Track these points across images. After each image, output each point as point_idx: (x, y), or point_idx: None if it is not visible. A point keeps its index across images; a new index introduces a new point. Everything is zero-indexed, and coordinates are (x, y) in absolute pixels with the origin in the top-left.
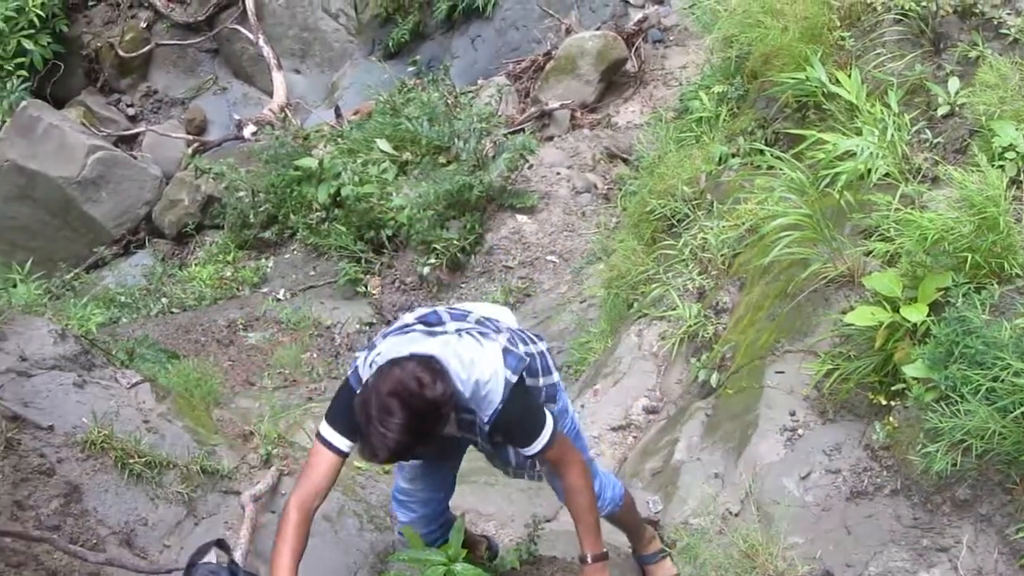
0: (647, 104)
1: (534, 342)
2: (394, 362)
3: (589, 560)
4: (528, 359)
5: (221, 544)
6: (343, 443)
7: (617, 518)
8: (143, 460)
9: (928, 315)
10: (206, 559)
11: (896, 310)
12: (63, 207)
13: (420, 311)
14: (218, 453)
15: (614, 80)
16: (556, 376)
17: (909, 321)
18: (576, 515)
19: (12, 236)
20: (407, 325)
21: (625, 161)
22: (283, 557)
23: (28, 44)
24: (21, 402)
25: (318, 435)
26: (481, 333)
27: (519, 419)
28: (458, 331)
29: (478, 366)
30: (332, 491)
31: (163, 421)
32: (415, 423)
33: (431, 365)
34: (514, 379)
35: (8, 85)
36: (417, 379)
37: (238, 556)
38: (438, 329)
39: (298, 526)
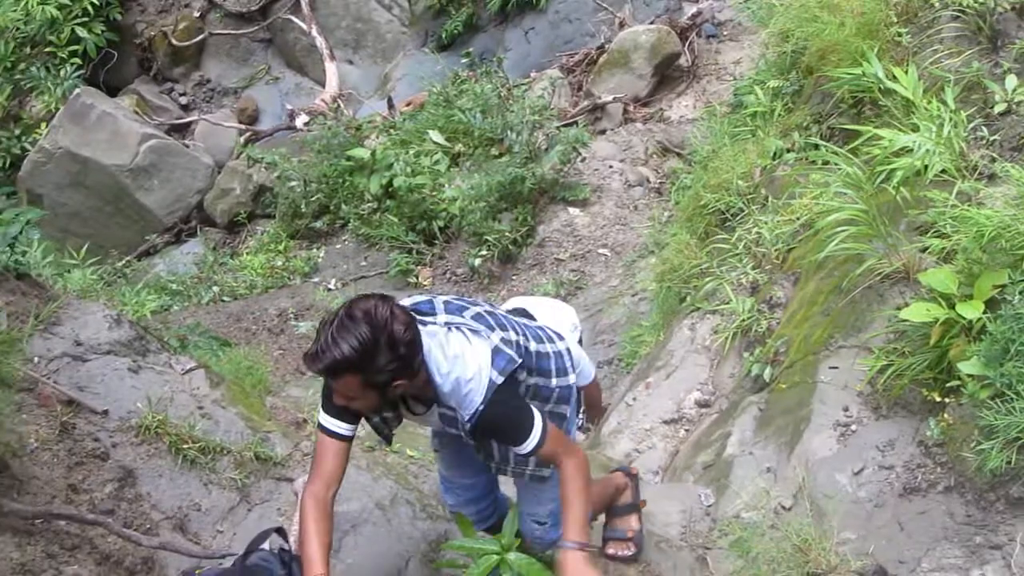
0: (700, 99)
1: (552, 340)
2: (384, 297)
3: (568, 545)
4: (522, 358)
5: (280, 532)
6: (341, 427)
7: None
8: (197, 446)
9: (984, 312)
10: (264, 545)
11: (952, 307)
12: (115, 194)
13: (416, 298)
14: (271, 440)
15: (667, 74)
16: (572, 378)
17: (965, 318)
18: (565, 501)
19: (64, 223)
20: None
21: (678, 155)
22: (312, 550)
23: (82, 32)
24: (76, 386)
25: (318, 425)
26: (472, 330)
27: (504, 420)
28: (447, 324)
29: (460, 363)
30: (384, 479)
31: (217, 407)
32: (369, 343)
33: (408, 310)
34: (499, 380)
35: (62, 72)
36: (391, 309)
37: (291, 543)
38: (428, 319)
39: (318, 520)
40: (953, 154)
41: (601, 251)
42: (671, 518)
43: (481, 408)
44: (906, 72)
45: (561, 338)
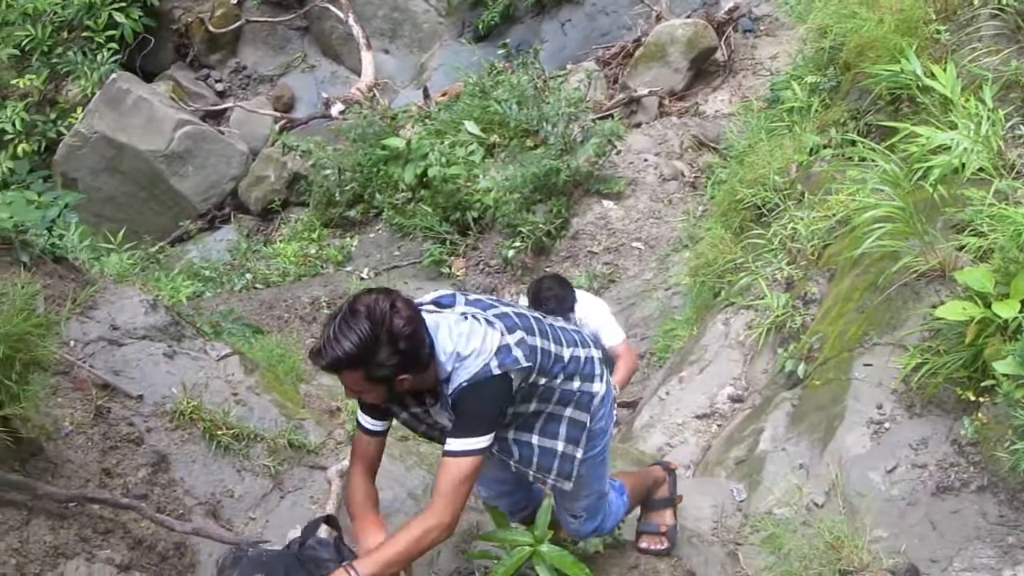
0: (736, 93)
1: (585, 346)
2: (383, 289)
3: (351, 571)
4: (540, 363)
5: (330, 521)
6: (369, 421)
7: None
8: (231, 432)
9: (1020, 311)
10: (317, 534)
11: (987, 306)
12: (150, 180)
13: (443, 291)
14: (305, 428)
15: (703, 68)
16: (598, 387)
17: (1000, 317)
18: (393, 536)
19: (99, 208)
20: (421, 303)
21: (713, 150)
22: (363, 512)
23: (119, 17)
24: (111, 371)
25: (355, 421)
26: (488, 321)
27: (471, 406)
28: (463, 314)
29: (463, 341)
30: (417, 469)
31: (251, 394)
32: (367, 340)
33: (413, 305)
34: (496, 371)
35: (99, 57)
36: (392, 304)
37: (322, 532)
38: (446, 310)
39: (363, 476)
40: (991, 152)
41: (635, 244)
42: (703, 513)
43: (464, 383)
44: (944, 70)
45: (592, 346)
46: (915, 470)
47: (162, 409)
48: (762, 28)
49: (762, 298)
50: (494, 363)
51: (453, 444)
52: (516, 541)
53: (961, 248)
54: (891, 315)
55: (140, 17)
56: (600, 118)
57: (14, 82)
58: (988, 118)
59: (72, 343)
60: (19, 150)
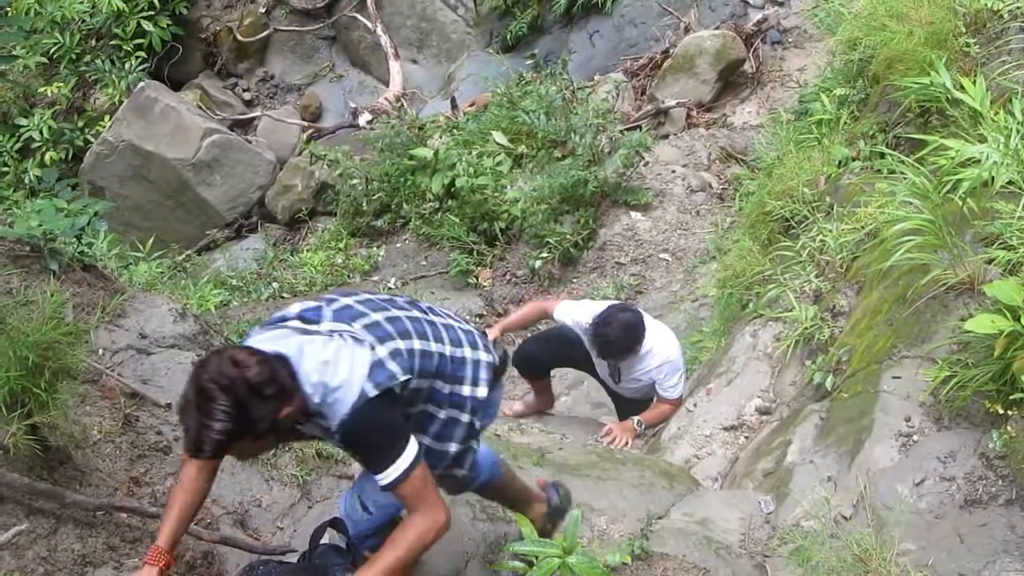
0: (764, 105)
1: (476, 347)
2: (214, 351)
3: None
4: (414, 371)
5: (336, 523)
6: None
7: (494, 491)
8: None
9: None
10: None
11: (1017, 319)
12: (177, 188)
13: (307, 304)
14: None
15: (731, 80)
16: (481, 392)
17: None
18: (388, 542)
19: (126, 216)
20: (285, 318)
21: (740, 162)
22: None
23: (147, 25)
24: (140, 379)
25: None
26: (357, 339)
27: (368, 438)
28: (331, 332)
29: (330, 369)
30: None
31: None
32: (237, 408)
33: (250, 348)
34: (373, 393)
35: (126, 66)
36: (234, 361)
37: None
38: (312, 328)
39: (183, 491)
40: (1020, 165)
41: (662, 256)
42: (730, 525)
43: (346, 418)
44: (974, 83)
45: (488, 351)
46: (943, 483)
47: None
48: (790, 40)
49: (790, 310)
50: (369, 386)
51: (385, 479)
52: (544, 552)
53: (990, 261)
54: (920, 328)
55: (168, 26)
56: (628, 129)
57: (42, 90)
58: (1018, 131)
59: (101, 351)
60: (47, 158)
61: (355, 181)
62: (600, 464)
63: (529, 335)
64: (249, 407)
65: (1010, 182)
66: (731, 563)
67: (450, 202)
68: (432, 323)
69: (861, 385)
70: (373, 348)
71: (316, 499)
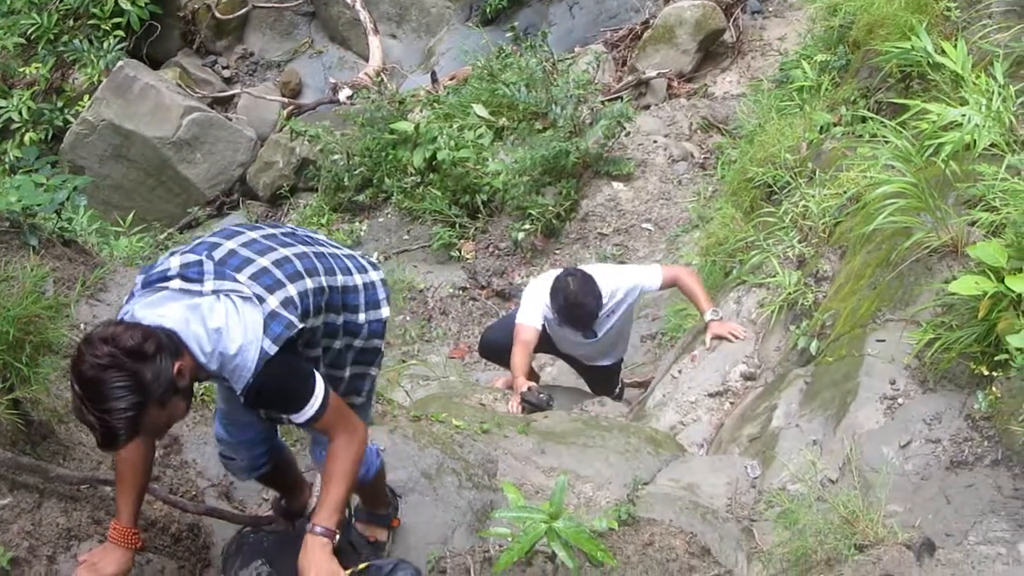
0: (744, 74)
1: (364, 271)
2: (81, 342)
3: (316, 531)
4: (310, 312)
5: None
6: None
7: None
8: None
9: None
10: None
11: (1000, 280)
12: (158, 167)
13: (188, 257)
14: None
15: (711, 50)
16: (385, 311)
17: (1013, 291)
18: (327, 480)
19: (107, 195)
20: (167, 276)
21: (722, 131)
22: (121, 499)
23: (125, 4)
24: None
25: None
26: (244, 297)
27: (277, 392)
28: (215, 293)
29: (224, 338)
30: (430, 449)
31: None
32: (129, 378)
33: (114, 321)
34: (273, 350)
35: (105, 45)
36: (102, 339)
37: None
38: (194, 288)
39: (131, 461)
40: (1002, 128)
41: (645, 226)
42: (717, 490)
43: (251, 381)
44: (955, 46)
45: (376, 268)
46: (929, 445)
47: None
48: (770, 9)
49: (774, 276)
50: (267, 344)
51: (301, 417)
52: (531, 518)
53: (973, 223)
54: (904, 291)
55: (146, 4)
56: (609, 100)
57: (20, 70)
58: (999, 94)
59: (82, 326)
60: (26, 139)
61: (336, 157)
62: (586, 431)
63: (492, 323)
64: (140, 372)
65: (992, 144)
66: (718, 527)
67: (432, 176)
68: (319, 255)
69: (845, 349)
70: (264, 301)
71: (301, 470)
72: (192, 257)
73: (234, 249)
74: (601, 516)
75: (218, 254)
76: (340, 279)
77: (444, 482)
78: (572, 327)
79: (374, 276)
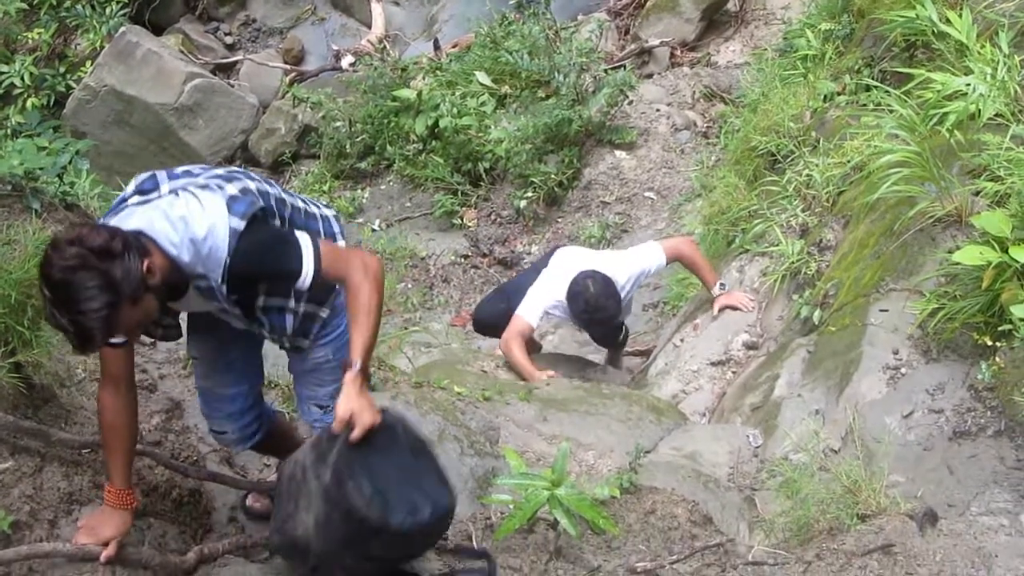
0: (748, 43)
1: (319, 207)
2: (47, 247)
3: (357, 366)
4: (271, 206)
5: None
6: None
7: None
8: None
9: None
10: None
11: (1004, 250)
12: (160, 133)
13: (140, 177)
14: None
15: (715, 19)
16: (342, 244)
17: (1018, 261)
18: (351, 319)
19: (109, 161)
20: (124, 200)
21: (725, 100)
22: (113, 461)
23: None
24: None
25: None
26: (202, 186)
27: (262, 259)
28: (173, 191)
29: (191, 223)
30: (432, 415)
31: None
32: (99, 277)
33: (79, 225)
34: (242, 225)
35: (107, 11)
36: (68, 242)
37: None
38: (152, 196)
39: (116, 426)
40: (1007, 97)
41: (647, 194)
42: (719, 458)
43: (228, 260)
44: (960, 15)
45: (328, 207)
46: (932, 415)
47: (175, 356)
48: None
49: (777, 245)
50: (235, 221)
51: (305, 278)
52: (533, 485)
53: (978, 193)
54: (907, 261)
55: None
56: (612, 68)
57: (23, 36)
58: (1004, 64)
59: None
60: (28, 104)
61: (338, 124)
62: (588, 399)
63: (485, 298)
64: (110, 271)
65: (997, 114)
66: (720, 496)
67: (434, 143)
68: (270, 185)
69: (848, 318)
70: (222, 188)
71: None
72: (144, 175)
73: (189, 169)
74: (603, 484)
75: (174, 172)
76: (301, 203)
77: (446, 449)
78: (594, 329)
79: (329, 212)
